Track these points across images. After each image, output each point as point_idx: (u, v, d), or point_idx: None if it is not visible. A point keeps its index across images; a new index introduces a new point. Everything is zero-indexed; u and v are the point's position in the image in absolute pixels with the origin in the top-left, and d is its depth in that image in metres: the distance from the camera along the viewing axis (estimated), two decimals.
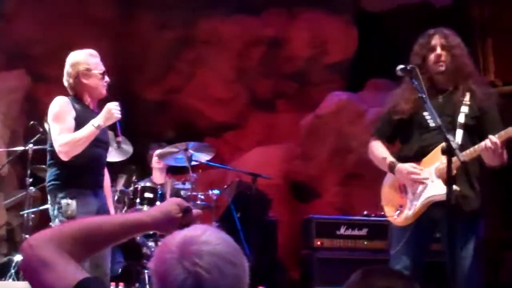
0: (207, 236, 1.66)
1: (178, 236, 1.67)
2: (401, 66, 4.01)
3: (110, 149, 5.51)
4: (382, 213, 6.66)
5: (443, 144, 3.65)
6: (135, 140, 6.12)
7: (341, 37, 10.22)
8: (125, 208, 6.45)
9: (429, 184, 4.15)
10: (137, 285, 6.34)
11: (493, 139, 3.93)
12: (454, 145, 3.65)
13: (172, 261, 1.61)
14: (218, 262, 1.62)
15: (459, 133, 4.17)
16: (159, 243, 1.83)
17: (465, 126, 4.19)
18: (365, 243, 7.04)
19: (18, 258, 6.41)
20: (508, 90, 8.13)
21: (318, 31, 10.19)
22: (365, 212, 7.39)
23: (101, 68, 4.73)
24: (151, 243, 6.28)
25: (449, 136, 3.69)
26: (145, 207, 6.29)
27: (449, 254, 3.82)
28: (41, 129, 6.28)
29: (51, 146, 4.56)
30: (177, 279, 1.59)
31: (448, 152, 3.64)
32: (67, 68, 4.71)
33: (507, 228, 7.93)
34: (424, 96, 3.89)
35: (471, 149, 4.03)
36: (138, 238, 6.17)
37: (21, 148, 6.78)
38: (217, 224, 6.74)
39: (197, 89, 10.33)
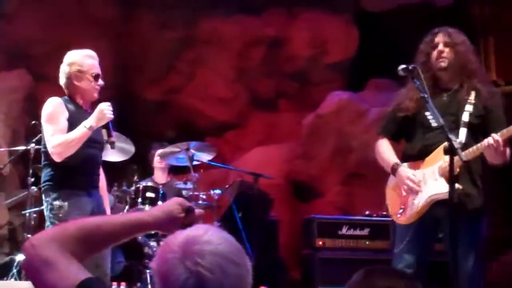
0: (209, 236, 1.66)
1: (180, 236, 1.67)
2: (403, 66, 4.00)
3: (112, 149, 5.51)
4: (384, 213, 6.69)
5: (446, 143, 3.66)
6: (136, 140, 6.12)
7: (342, 37, 10.22)
8: (127, 208, 6.45)
9: (432, 183, 4.16)
10: (138, 284, 6.34)
11: (495, 137, 3.93)
12: (456, 144, 3.66)
13: (174, 261, 1.61)
14: (220, 261, 1.61)
15: (463, 132, 4.17)
16: (161, 243, 1.83)
17: (469, 125, 4.19)
18: (367, 243, 7.03)
19: (20, 257, 6.40)
20: (510, 90, 8.12)
21: (318, 31, 10.19)
22: (366, 212, 7.39)
23: (95, 70, 4.66)
24: (152, 243, 6.28)
25: (452, 136, 3.70)
26: (147, 207, 6.29)
27: (452, 253, 3.83)
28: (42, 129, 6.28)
29: (45, 147, 4.55)
30: (179, 279, 1.58)
31: (450, 151, 3.64)
32: (62, 68, 4.69)
33: (509, 226, 7.93)
34: (426, 96, 3.89)
35: (474, 147, 4.03)
36: (140, 237, 6.17)
37: (22, 147, 6.77)
38: (219, 224, 6.73)
39: (197, 89, 10.32)
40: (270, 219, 7.97)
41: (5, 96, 8.74)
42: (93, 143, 4.61)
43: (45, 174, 4.60)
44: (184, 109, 10.46)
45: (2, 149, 7.62)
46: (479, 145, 4.01)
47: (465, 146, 4.02)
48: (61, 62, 4.71)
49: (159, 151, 7.11)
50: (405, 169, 4.27)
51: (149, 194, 6.48)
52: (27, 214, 6.70)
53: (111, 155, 5.81)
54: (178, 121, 10.48)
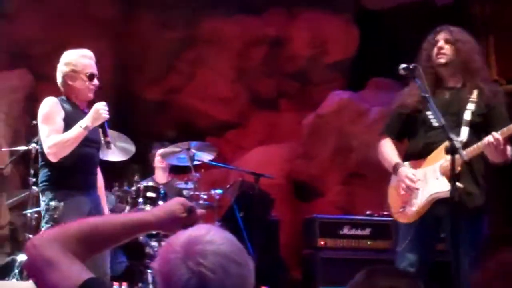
0: (211, 236, 1.66)
1: (182, 236, 1.67)
2: (403, 65, 4.01)
3: (113, 148, 5.51)
4: (385, 212, 6.69)
5: (447, 143, 3.66)
6: (136, 139, 6.12)
7: (342, 36, 10.21)
8: (128, 208, 6.45)
9: (433, 181, 4.16)
10: (140, 285, 6.33)
11: (495, 135, 3.94)
12: (457, 144, 3.66)
13: (176, 261, 1.61)
14: (222, 261, 1.61)
15: (465, 130, 4.17)
16: (163, 243, 1.82)
17: (471, 124, 4.19)
18: (368, 243, 7.04)
19: (21, 257, 6.40)
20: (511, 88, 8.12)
21: (318, 30, 10.19)
22: (368, 212, 7.39)
23: (89, 70, 4.65)
24: (154, 243, 6.27)
25: (453, 135, 3.70)
26: (148, 207, 6.27)
27: (453, 252, 3.83)
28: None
29: (42, 147, 4.55)
30: (182, 279, 1.58)
31: (452, 151, 3.64)
32: (58, 67, 4.69)
33: (510, 225, 7.92)
34: (427, 95, 3.90)
35: (474, 146, 4.03)
36: (141, 238, 6.16)
37: (23, 147, 6.77)
38: (220, 224, 6.73)
39: (198, 88, 10.32)
40: (271, 219, 7.97)
41: (6, 96, 8.74)
42: (90, 143, 4.60)
43: (42, 174, 4.61)
44: (184, 109, 10.46)
45: (3, 149, 7.62)
46: (479, 143, 4.02)
47: (466, 145, 4.02)
48: None
49: (160, 151, 7.11)
50: (405, 168, 4.28)
51: (150, 194, 6.46)
52: (28, 214, 6.70)
53: (112, 155, 5.81)
54: (179, 121, 10.48)
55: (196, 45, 10.28)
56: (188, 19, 10.06)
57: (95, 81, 4.67)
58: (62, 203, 4.42)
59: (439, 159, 4.14)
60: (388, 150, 4.46)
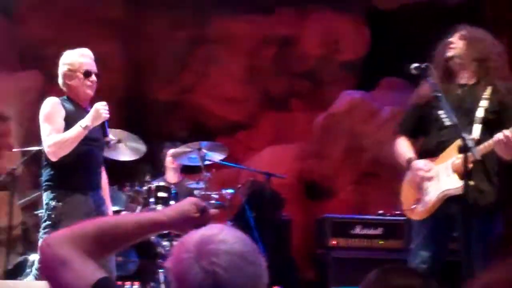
0: (224, 235, 1.66)
1: (195, 236, 1.67)
2: (415, 65, 4.02)
3: (125, 149, 5.54)
4: (397, 212, 6.67)
5: (460, 142, 3.66)
6: (147, 139, 6.13)
7: (353, 35, 10.19)
8: (140, 208, 6.46)
9: (445, 179, 4.16)
10: (152, 284, 6.35)
11: (505, 133, 3.93)
12: (470, 143, 3.65)
13: (189, 261, 1.61)
14: (235, 260, 1.61)
15: (477, 128, 4.17)
16: (176, 243, 1.82)
17: (483, 121, 4.18)
18: (380, 242, 7.02)
19: (33, 257, 6.42)
20: None
21: (329, 30, 10.17)
22: (380, 211, 7.37)
23: (85, 67, 4.68)
24: (165, 243, 6.29)
25: (465, 134, 3.70)
26: (159, 207, 6.28)
27: (464, 250, 3.82)
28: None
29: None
30: (196, 279, 1.58)
31: (464, 150, 3.64)
32: (59, 68, 4.76)
33: None
34: (439, 95, 3.89)
35: (485, 143, 4.03)
36: (153, 237, 6.17)
37: (35, 148, 6.79)
38: (231, 224, 6.73)
39: (209, 88, 10.32)
40: (282, 218, 7.97)
41: (18, 96, 8.78)
42: (91, 141, 4.60)
43: (44, 174, 4.64)
44: (195, 109, 10.46)
45: (15, 150, 7.65)
46: (490, 141, 4.02)
47: (479, 142, 4.02)
48: None
49: (171, 151, 7.12)
50: (418, 161, 4.29)
51: (161, 194, 6.48)
52: (40, 214, 6.70)
53: (123, 155, 5.83)
54: (190, 120, 10.49)
55: (207, 45, 10.28)
56: (198, 19, 10.06)
57: (92, 78, 4.68)
58: (60, 203, 4.44)
59: (451, 157, 4.15)
60: (403, 147, 4.47)
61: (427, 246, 4.24)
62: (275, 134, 10.26)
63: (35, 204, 7.32)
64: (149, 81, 10.33)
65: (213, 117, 10.41)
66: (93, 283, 1.69)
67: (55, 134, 4.48)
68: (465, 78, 4.35)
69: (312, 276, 7.83)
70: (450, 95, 4.16)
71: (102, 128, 4.60)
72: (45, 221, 4.49)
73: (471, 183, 3.84)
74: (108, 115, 4.53)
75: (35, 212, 7.05)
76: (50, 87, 9.24)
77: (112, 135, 5.69)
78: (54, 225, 4.41)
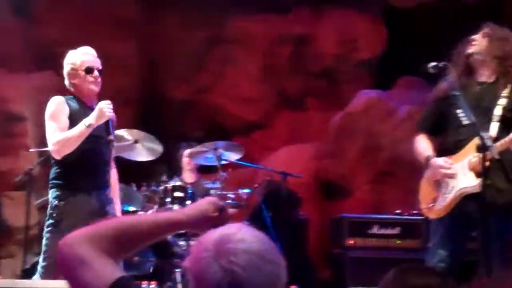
0: (243, 234, 1.65)
1: (214, 235, 1.66)
2: (433, 63, 4.01)
3: (141, 149, 5.55)
4: (415, 211, 6.64)
5: (478, 140, 3.64)
6: (163, 139, 6.15)
7: (370, 34, 10.16)
8: (156, 208, 6.47)
9: (461, 177, 4.14)
10: (168, 284, 6.36)
11: None
12: (488, 142, 3.64)
13: (208, 260, 1.60)
14: (254, 259, 1.60)
15: (495, 126, 4.15)
16: (194, 242, 1.83)
17: (501, 119, 4.16)
18: (398, 242, 6.99)
19: None
20: None
21: (346, 29, 10.15)
22: (397, 211, 7.34)
23: (86, 64, 4.68)
24: (182, 242, 6.30)
25: (483, 133, 3.68)
26: (176, 206, 6.29)
27: (482, 249, 3.81)
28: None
29: None
30: (214, 278, 1.58)
31: (483, 149, 3.63)
32: (64, 69, 4.78)
33: None
34: (457, 94, 3.88)
35: (502, 141, 4.02)
36: (169, 237, 6.18)
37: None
38: (248, 223, 6.72)
39: (225, 88, 10.33)
40: (299, 218, 7.96)
41: (34, 97, 8.81)
42: (95, 139, 4.58)
43: (51, 172, 4.66)
44: (211, 109, 10.47)
45: (31, 150, 7.68)
46: (506, 138, 4.00)
47: (497, 140, 4.01)
48: None
49: (188, 151, 7.13)
50: (437, 158, 4.28)
51: (178, 194, 6.48)
52: None
53: (140, 155, 5.85)
54: (206, 120, 10.50)
55: (223, 45, 10.30)
56: (214, 19, 10.07)
57: (95, 73, 4.68)
58: (62, 202, 4.46)
59: (468, 155, 4.13)
60: (422, 145, 4.47)
61: (444, 245, 4.24)
62: (291, 134, 10.25)
63: None
64: (166, 81, 10.35)
65: (229, 117, 10.42)
66: (112, 282, 1.70)
67: (59, 133, 4.51)
68: (484, 75, 4.33)
69: (328, 276, 7.81)
70: (469, 93, 4.15)
71: (106, 127, 4.61)
72: (47, 219, 4.52)
73: (488, 181, 3.83)
74: (112, 114, 4.53)
75: None
76: (65, 88, 9.33)
77: (130, 135, 5.74)
78: (56, 224, 4.44)
